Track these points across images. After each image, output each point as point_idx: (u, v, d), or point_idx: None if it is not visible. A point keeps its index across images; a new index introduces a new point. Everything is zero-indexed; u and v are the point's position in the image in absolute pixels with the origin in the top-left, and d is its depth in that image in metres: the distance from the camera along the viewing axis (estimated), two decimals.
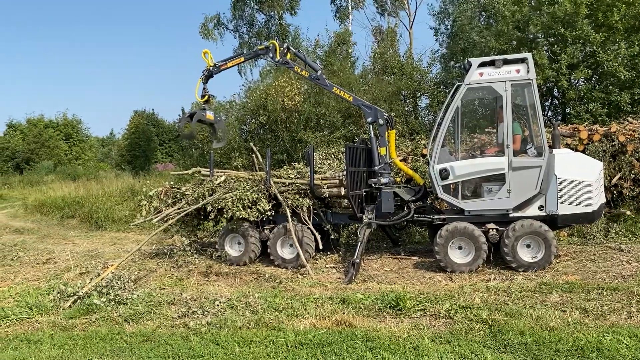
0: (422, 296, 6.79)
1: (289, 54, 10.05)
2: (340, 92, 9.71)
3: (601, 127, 11.35)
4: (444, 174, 8.36)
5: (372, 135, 9.36)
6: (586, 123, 12.49)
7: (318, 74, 9.77)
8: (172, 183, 10.90)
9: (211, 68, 10.25)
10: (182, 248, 9.62)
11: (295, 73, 10.47)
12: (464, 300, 6.50)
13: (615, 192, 10.55)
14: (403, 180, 10.99)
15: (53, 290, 7.79)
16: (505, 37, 16.59)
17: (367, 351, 5.12)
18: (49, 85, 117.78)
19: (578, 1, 14.52)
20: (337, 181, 9.34)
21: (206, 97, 10.41)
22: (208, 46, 30.07)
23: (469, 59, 8.50)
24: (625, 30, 14.80)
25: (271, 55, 9.99)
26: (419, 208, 9.11)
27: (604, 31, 14.76)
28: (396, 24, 30.26)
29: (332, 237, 9.75)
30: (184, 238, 9.83)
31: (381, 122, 9.20)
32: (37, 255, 11.51)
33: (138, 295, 7.36)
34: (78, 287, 7.62)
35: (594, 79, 15.64)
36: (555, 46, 15.33)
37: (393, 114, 13.27)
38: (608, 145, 10.49)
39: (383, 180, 9.06)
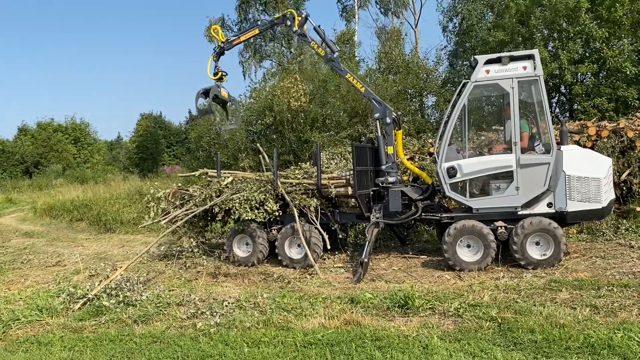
0: (431, 295, 6.77)
1: (305, 27, 9.68)
2: (353, 80, 9.52)
3: (609, 123, 11.27)
4: (452, 172, 8.32)
5: (379, 134, 9.32)
6: (594, 119, 12.40)
7: (335, 55, 9.54)
8: (179, 185, 10.92)
9: (222, 44, 10.02)
10: (190, 249, 9.64)
11: (312, 49, 10.07)
12: (473, 299, 6.48)
13: (624, 188, 10.46)
14: (410, 179, 10.96)
15: (63, 293, 7.83)
16: (510, 31, 16.55)
17: (376, 350, 5.11)
18: (59, 89, 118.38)
19: None
20: (344, 181, 9.32)
21: (219, 74, 10.18)
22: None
23: (475, 56, 8.47)
24: (631, 26, 14.71)
25: (289, 23, 9.63)
26: (426, 207, 9.08)
27: (609, 27, 14.67)
28: (401, 22, 30.21)
29: (340, 236, 9.74)
30: (192, 239, 9.86)
31: (388, 120, 9.15)
32: (46, 258, 11.57)
33: (147, 297, 7.39)
34: (87, 290, 7.68)
35: (600, 74, 15.54)
36: (557, 41, 15.26)
37: (400, 113, 13.22)
38: (617, 141, 10.41)
39: (390, 179, 9.02)
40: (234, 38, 10.09)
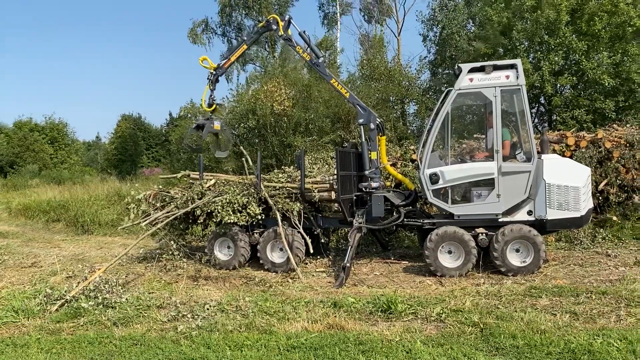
0: (413, 300, 6.79)
1: (289, 31, 9.73)
2: (338, 86, 9.53)
3: (588, 133, 11.50)
4: (434, 179, 8.39)
5: (363, 140, 9.35)
6: (573, 130, 12.64)
7: (319, 60, 9.57)
8: (160, 186, 10.79)
9: (215, 71, 9.99)
10: (170, 252, 9.51)
11: (297, 53, 10.10)
12: (455, 304, 6.51)
13: (601, 197, 10.66)
14: (392, 185, 11.02)
15: (39, 294, 7.65)
16: (492, 42, 16.82)
17: (360, 354, 5.10)
18: (36, 88, 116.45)
19: (559, 8, 14.79)
20: (328, 185, 9.32)
21: (214, 106, 10.14)
22: (196, 50, 30.14)
23: (459, 65, 8.56)
24: (609, 39, 15.06)
25: (274, 28, 9.65)
26: (409, 212, 9.15)
27: (588, 40, 15.01)
28: (382, 31, 30.48)
29: (322, 241, 9.73)
30: (172, 242, 9.74)
31: (372, 126, 9.19)
32: (22, 259, 11.32)
33: (127, 299, 7.27)
34: (65, 291, 7.52)
35: (579, 86, 15.88)
36: (538, 53, 15.56)
37: (382, 119, 13.30)
38: (595, 152, 10.61)
39: (373, 184, 9.05)
40: (225, 61, 10.02)
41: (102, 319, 6.54)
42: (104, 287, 7.62)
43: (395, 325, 5.95)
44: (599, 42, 14.95)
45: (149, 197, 10.31)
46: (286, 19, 9.73)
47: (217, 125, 10.10)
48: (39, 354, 5.61)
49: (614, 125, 12.41)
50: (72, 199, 18.97)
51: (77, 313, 6.82)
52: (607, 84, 14.45)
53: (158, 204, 10.13)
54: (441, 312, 6.22)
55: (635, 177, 10.50)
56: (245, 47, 10.19)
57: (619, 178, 10.47)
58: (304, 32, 9.75)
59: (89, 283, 7.70)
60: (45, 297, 7.43)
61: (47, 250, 12.63)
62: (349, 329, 5.80)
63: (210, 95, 10.14)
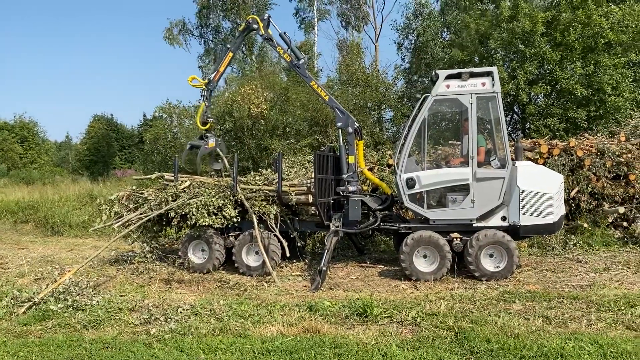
0: (389, 304, 6.79)
1: (270, 31, 9.75)
2: (317, 88, 9.55)
3: (560, 141, 11.72)
4: (411, 183, 8.43)
5: (341, 143, 9.36)
6: (546, 138, 12.87)
7: (300, 62, 9.57)
8: (134, 187, 10.61)
9: (207, 87, 9.88)
10: (143, 254, 9.34)
11: (278, 54, 10.09)
12: (430, 308, 6.54)
13: (573, 205, 10.85)
14: (369, 189, 11.05)
15: (6, 296, 7.43)
16: (469, 50, 17.06)
17: (336, 358, 5.08)
18: (5, 86, 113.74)
19: (535, 19, 15.10)
20: (305, 188, 9.29)
21: (208, 124, 10.00)
22: (172, 50, 29.84)
23: (437, 71, 8.64)
24: (582, 50, 15.42)
25: (256, 27, 9.64)
26: (385, 217, 9.16)
27: (562, 50, 15.34)
28: (360, 37, 30.69)
29: (299, 245, 9.68)
30: (145, 244, 9.57)
31: (350, 130, 9.21)
32: None
33: (97, 302, 7.11)
34: (33, 293, 7.32)
35: (552, 95, 16.21)
36: (514, 62, 15.85)
37: (360, 124, 13.35)
38: (567, 160, 10.81)
39: (351, 188, 9.06)
40: (214, 75, 9.91)
41: (71, 322, 6.38)
42: (74, 289, 7.45)
43: (371, 329, 5.94)
44: (572, 52, 15.29)
45: (122, 198, 10.15)
46: (265, 17, 9.73)
47: (211, 143, 9.91)
48: (5, 357, 5.43)
49: (586, 134, 12.68)
50: (41, 199, 18.57)
51: (45, 316, 6.65)
52: (579, 94, 14.79)
53: (131, 206, 9.98)
54: (416, 316, 6.24)
55: (605, 185, 10.72)
56: (231, 54, 10.08)
57: (590, 186, 10.67)
58: (285, 33, 9.77)
59: (59, 285, 7.52)
60: (12, 299, 7.24)
61: (15, 251, 12.31)
62: (324, 333, 5.77)
63: (205, 112, 9.97)
